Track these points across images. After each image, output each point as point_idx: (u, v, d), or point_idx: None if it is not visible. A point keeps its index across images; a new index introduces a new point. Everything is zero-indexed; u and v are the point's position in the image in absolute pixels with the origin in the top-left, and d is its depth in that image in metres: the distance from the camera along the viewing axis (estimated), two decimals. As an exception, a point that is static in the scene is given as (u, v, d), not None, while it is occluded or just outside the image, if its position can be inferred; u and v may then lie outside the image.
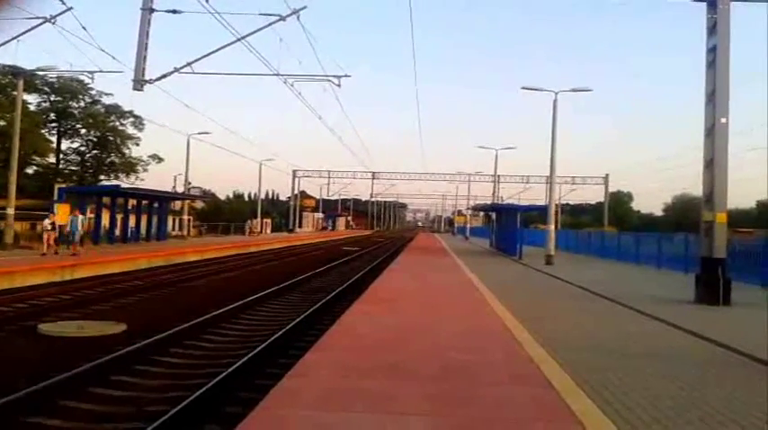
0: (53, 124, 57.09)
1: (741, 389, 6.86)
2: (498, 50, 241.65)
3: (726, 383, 7.08)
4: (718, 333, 10.28)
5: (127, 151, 59.86)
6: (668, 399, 6.28)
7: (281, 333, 11.85)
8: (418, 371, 7.18)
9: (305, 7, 21.55)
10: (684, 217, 77.49)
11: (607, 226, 72.51)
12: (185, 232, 52.94)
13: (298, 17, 21.65)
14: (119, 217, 37.63)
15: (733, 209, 38.30)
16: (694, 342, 9.94)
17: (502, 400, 6.11)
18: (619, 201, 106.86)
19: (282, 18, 21.70)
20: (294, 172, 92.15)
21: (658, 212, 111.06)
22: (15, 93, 35.51)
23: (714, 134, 15.31)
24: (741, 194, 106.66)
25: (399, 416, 5.50)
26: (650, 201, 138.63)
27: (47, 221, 25.62)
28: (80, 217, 26.00)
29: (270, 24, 21.95)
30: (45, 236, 25.19)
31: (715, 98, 15.34)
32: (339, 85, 26.05)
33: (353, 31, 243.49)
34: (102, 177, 58.38)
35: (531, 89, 32.06)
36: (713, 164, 15.34)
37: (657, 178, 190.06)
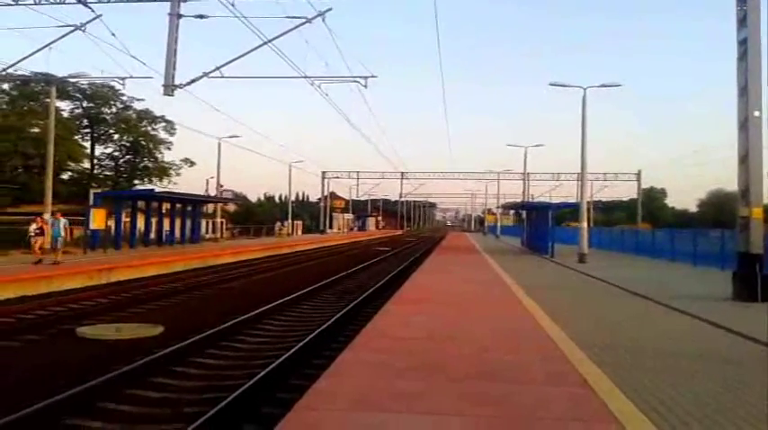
0: (86, 130, 58.15)
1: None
2: (526, 47, 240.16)
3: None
4: (758, 331, 10.10)
5: (159, 155, 60.81)
6: (709, 399, 6.19)
7: (315, 333, 11.91)
8: (453, 370, 7.16)
9: (330, 9, 21.64)
10: (720, 212, 76.37)
11: (641, 223, 71.62)
12: (218, 235, 53.51)
13: (323, 19, 21.75)
14: (153, 220, 38.14)
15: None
16: (734, 340, 9.79)
17: (539, 400, 6.06)
18: (652, 198, 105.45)
19: (308, 20, 21.80)
20: (323, 173, 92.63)
21: (693, 208, 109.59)
22: (49, 100, 36.23)
23: (748, 128, 15.06)
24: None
25: (435, 417, 5.50)
26: (684, 197, 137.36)
27: (33, 226, 23.83)
28: (62, 220, 23.82)
29: (296, 27, 22.07)
30: (33, 242, 23.36)
31: (748, 91, 15.09)
32: (366, 86, 26.12)
33: (379, 31, 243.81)
34: (136, 182, 59.27)
35: (559, 85, 31.86)
36: (748, 158, 15.09)
37: (691, 173, 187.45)
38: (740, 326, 10.52)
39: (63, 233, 23.42)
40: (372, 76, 26.35)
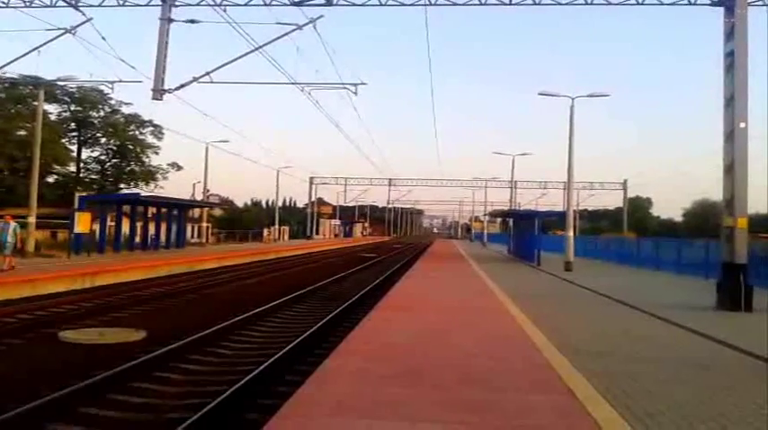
0: (73, 133, 57.83)
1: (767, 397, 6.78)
2: (515, 56, 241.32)
3: (751, 391, 6.99)
4: (740, 339, 10.18)
5: (146, 160, 60.52)
6: (691, 408, 6.21)
7: (300, 339, 11.87)
8: (437, 377, 7.16)
9: (321, 16, 21.61)
10: (705, 222, 76.89)
11: (626, 231, 71.99)
12: (204, 239, 53.26)
13: (314, 26, 21.73)
14: (139, 225, 37.93)
15: (754, 214, 37.94)
16: (717, 349, 9.85)
17: (521, 407, 6.07)
18: (638, 207, 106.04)
19: (299, 27, 21.77)
20: (311, 179, 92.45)
21: (678, 218, 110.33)
22: (36, 103, 36.00)
23: (734, 139, 15.20)
24: (762, 199, 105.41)
25: (418, 424, 5.48)
26: (670, 206, 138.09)
27: None
28: (12, 224, 22.10)
29: (287, 34, 22.03)
30: None
31: (734, 102, 15.24)
32: (356, 93, 26.10)
33: (369, 39, 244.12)
34: (122, 186, 58.97)
35: (548, 95, 32.00)
36: (733, 168, 15.22)
37: (677, 183, 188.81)
38: (723, 336, 10.58)
39: (10, 239, 21.68)
40: (362, 83, 26.35)
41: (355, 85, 26.04)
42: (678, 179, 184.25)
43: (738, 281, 14.79)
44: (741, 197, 15.18)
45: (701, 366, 8.30)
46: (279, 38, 22.32)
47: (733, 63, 15.35)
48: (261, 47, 22.26)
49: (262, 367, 9.53)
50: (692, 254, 27.56)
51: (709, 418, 5.86)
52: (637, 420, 5.70)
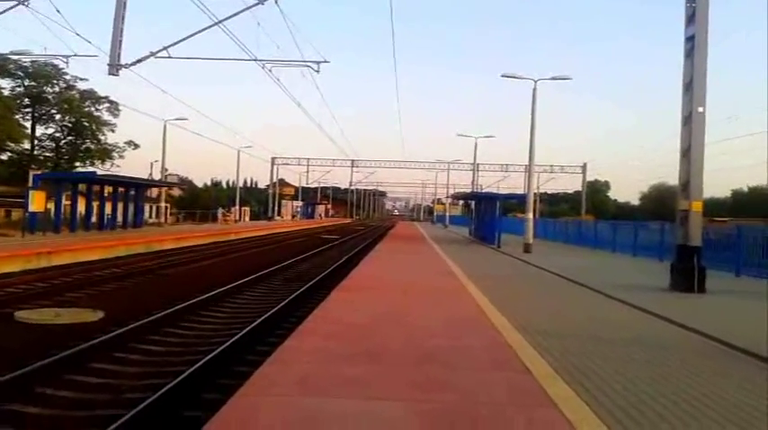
0: (27, 110, 56.35)
1: (717, 375, 6.97)
2: (479, 37, 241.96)
3: (702, 370, 7.17)
4: (693, 320, 10.41)
5: (102, 137, 59.23)
6: (644, 385, 6.36)
7: (260, 320, 11.84)
8: (397, 357, 7.21)
9: (284, -8, 21.43)
10: (661, 205, 78.46)
11: (584, 214, 73.06)
12: (162, 220, 52.66)
13: (276, 1, 21.52)
14: (95, 204, 37.28)
15: (709, 198, 38.79)
16: (669, 329, 10.06)
17: (480, 385, 6.15)
18: (596, 190, 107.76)
19: (261, 2, 21.56)
20: (273, 159, 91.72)
21: (635, 201, 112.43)
22: (-11, 78, 35.03)
23: (691, 123, 15.42)
24: (717, 184, 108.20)
25: (378, 402, 5.52)
26: (627, 190, 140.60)
27: None
28: None
29: (248, 8, 21.84)
30: None
31: (692, 87, 15.44)
32: (318, 71, 26.02)
33: (332, 17, 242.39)
34: (77, 164, 57.70)
35: (511, 77, 32.15)
36: (689, 153, 15.47)
37: (635, 167, 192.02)
38: (677, 316, 10.80)
39: None
40: (325, 62, 26.27)
41: (318, 62, 25.97)
42: (636, 163, 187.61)
43: (692, 263, 15.11)
44: (696, 180, 15.44)
45: (656, 346, 8.48)
46: (240, 12, 22.09)
47: (693, 48, 15.54)
48: (221, 21, 21.99)
49: (222, 347, 9.51)
50: (647, 236, 28.14)
51: (661, 395, 6.00)
52: (591, 397, 5.82)
